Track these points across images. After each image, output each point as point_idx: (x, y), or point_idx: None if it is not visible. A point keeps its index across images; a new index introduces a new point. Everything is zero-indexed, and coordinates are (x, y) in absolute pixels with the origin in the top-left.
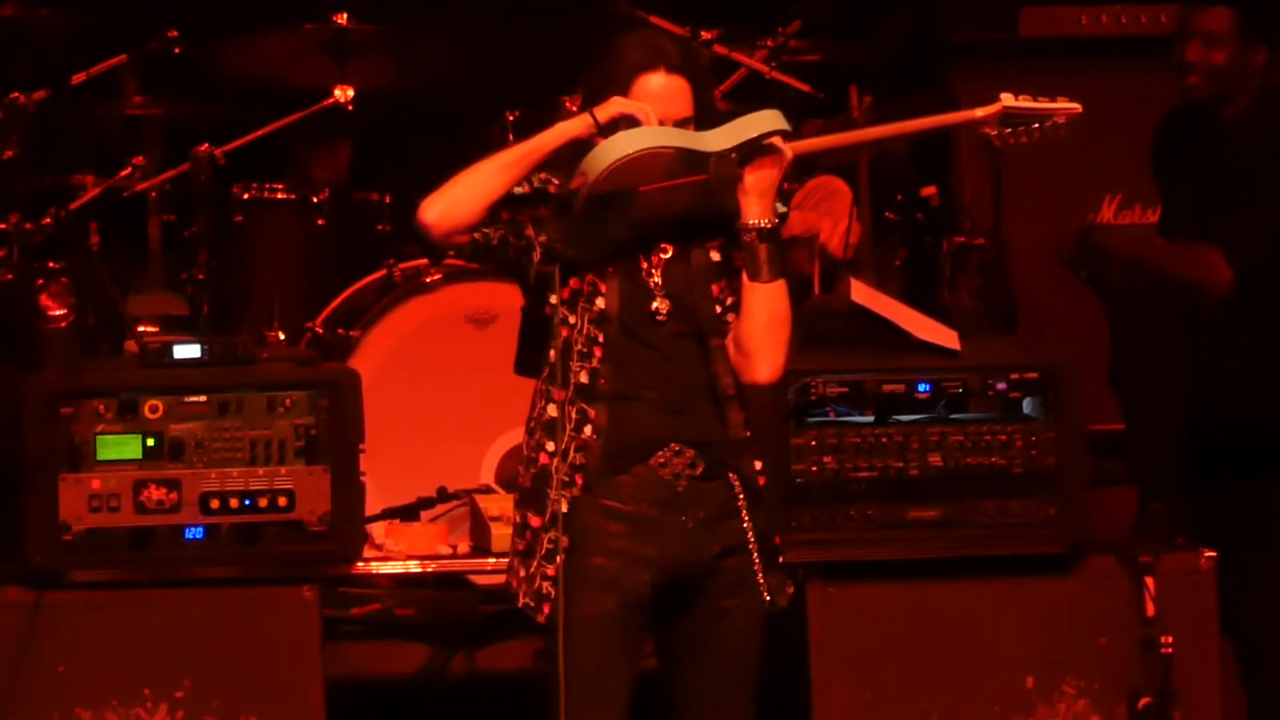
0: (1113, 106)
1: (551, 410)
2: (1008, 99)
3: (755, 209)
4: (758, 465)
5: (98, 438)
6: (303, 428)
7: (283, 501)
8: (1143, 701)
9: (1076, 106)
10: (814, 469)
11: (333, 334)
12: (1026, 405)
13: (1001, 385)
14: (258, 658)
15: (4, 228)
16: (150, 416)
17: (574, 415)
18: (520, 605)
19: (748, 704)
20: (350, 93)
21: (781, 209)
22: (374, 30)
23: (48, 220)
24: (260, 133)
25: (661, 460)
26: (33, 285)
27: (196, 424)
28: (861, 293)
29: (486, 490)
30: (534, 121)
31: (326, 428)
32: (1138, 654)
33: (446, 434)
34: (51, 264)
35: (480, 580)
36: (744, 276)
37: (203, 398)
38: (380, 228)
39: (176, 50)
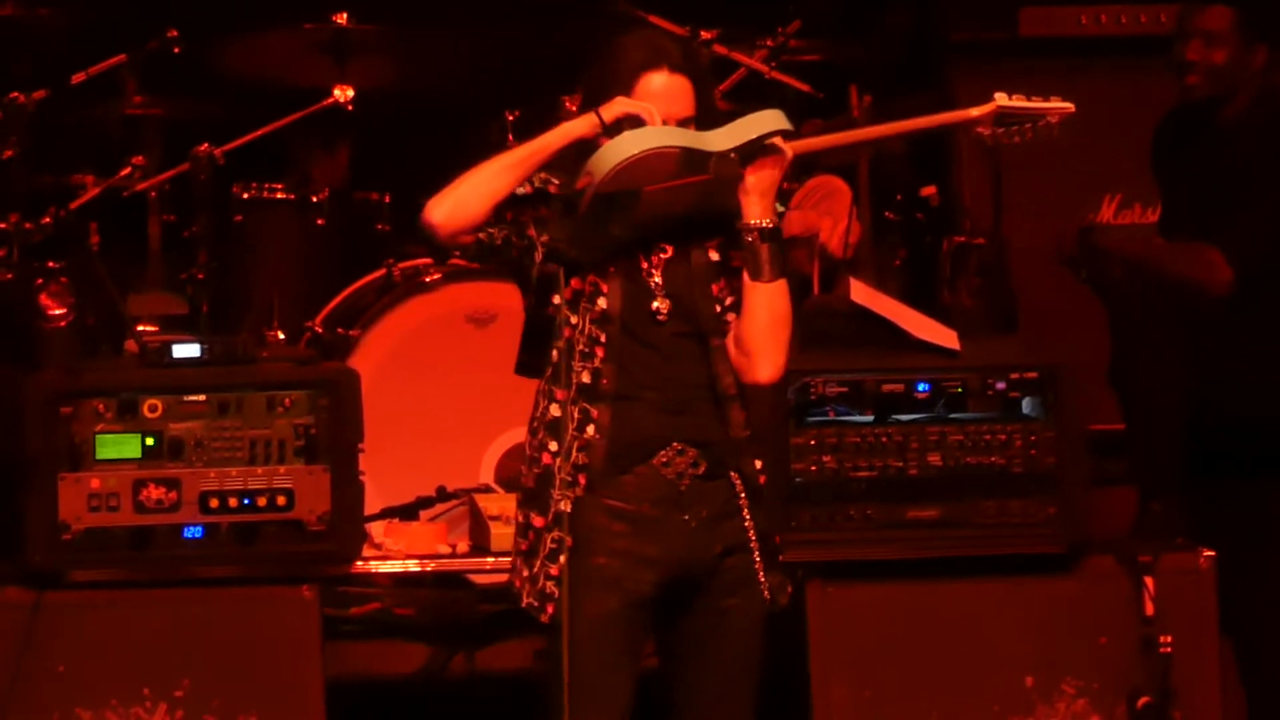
0: (1112, 106)
1: (554, 410)
2: (1001, 98)
3: (757, 209)
4: (758, 464)
5: (97, 437)
6: (302, 427)
7: (282, 501)
8: (1142, 701)
9: (1069, 106)
10: (813, 468)
11: (332, 333)
12: (1026, 405)
13: (1001, 385)
14: (257, 657)
15: (4, 227)
16: (150, 416)
17: (576, 415)
18: (524, 605)
19: (749, 703)
20: (350, 92)
21: (779, 208)
22: (374, 30)
23: (47, 220)
24: (260, 132)
25: (664, 460)
26: (32, 285)
27: (196, 423)
28: (861, 292)
29: (486, 490)
30: (534, 121)
31: (326, 427)
32: (1137, 654)
33: (446, 433)
34: (51, 263)
35: (479, 580)
36: (745, 276)
37: (202, 397)
38: (380, 227)
39: (176, 50)
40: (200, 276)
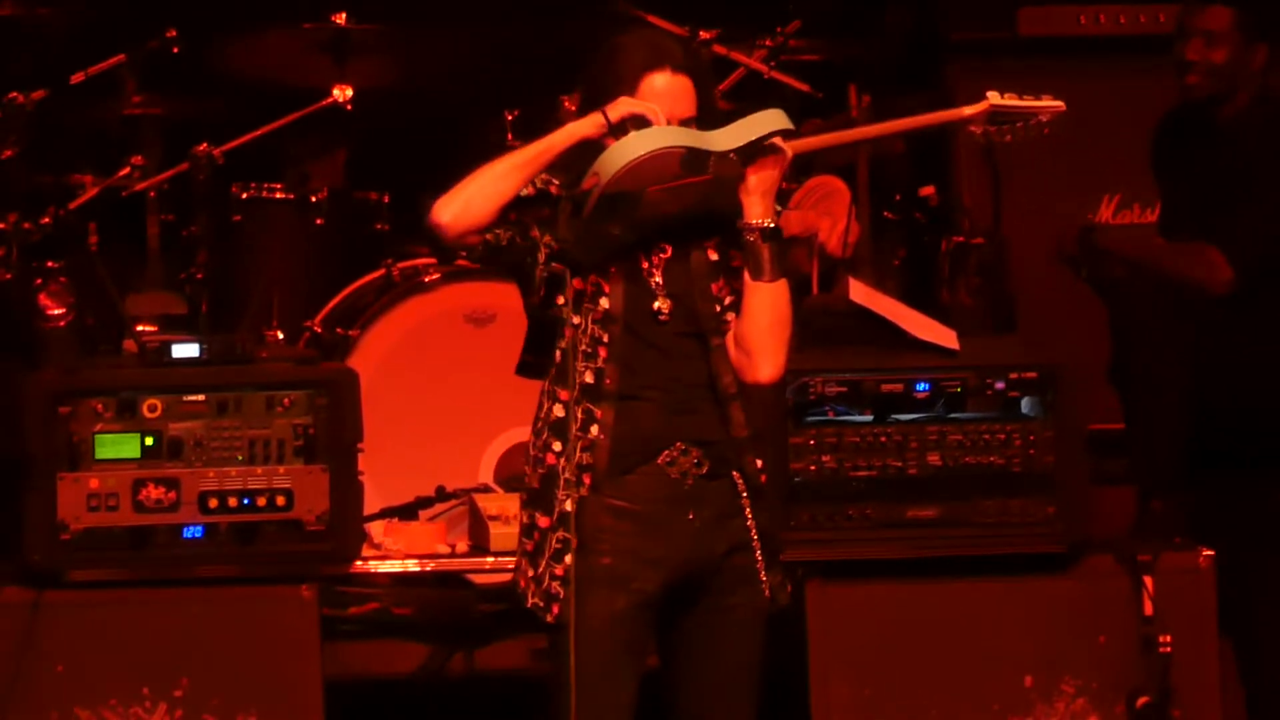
0: (1111, 106)
1: (558, 411)
2: (994, 97)
3: (758, 208)
4: (759, 464)
5: (96, 437)
6: (301, 427)
7: (281, 501)
8: (1141, 700)
9: (1060, 104)
10: (813, 468)
11: (331, 333)
12: (1025, 404)
13: (1000, 384)
14: (256, 657)
15: (3, 227)
16: (149, 415)
17: (580, 415)
18: (529, 606)
19: (750, 701)
20: (349, 92)
21: (777, 208)
22: (373, 30)
23: (47, 219)
24: (259, 132)
25: (668, 459)
26: (32, 284)
27: (195, 423)
28: (860, 292)
29: (485, 489)
30: (533, 121)
31: (325, 427)
32: (1136, 653)
33: (445, 433)
34: (50, 263)
35: (478, 579)
36: (746, 276)
37: (201, 397)
38: (379, 227)
39: (175, 50)
40: (199, 276)
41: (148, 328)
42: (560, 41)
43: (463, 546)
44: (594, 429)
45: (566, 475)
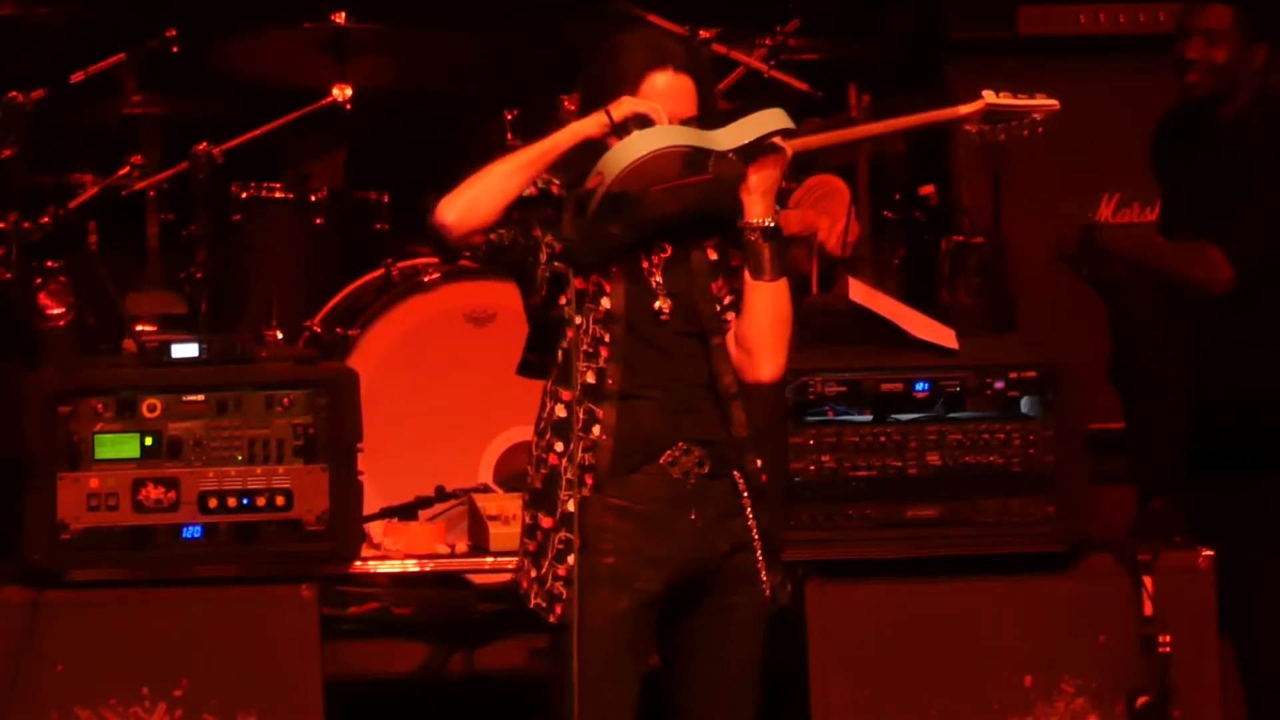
0: (1111, 105)
1: (560, 411)
2: (989, 95)
3: (759, 208)
4: (759, 463)
5: (96, 436)
6: (301, 427)
7: (281, 500)
8: (1141, 700)
9: (1054, 103)
10: (812, 468)
11: (331, 333)
12: (1025, 404)
13: (1000, 384)
14: (256, 657)
15: (3, 226)
16: (148, 415)
17: (582, 415)
18: (532, 606)
19: (751, 701)
20: (348, 92)
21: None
22: (372, 29)
23: (46, 219)
24: (259, 132)
25: (670, 459)
26: (31, 284)
27: (195, 423)
28: (860, 292)
29: (484, 489)
30: (532, 121)
31: (324, 427)
32: (1136, 653)
33: (444, 433)
34: (50, 263)
35: (478, 579)
36: (747, 275)
37: (201, 397)
38: (378, 226)
39: (175, 49)
40: (199, 276)
41: (147, 327)
42: (560, 41)
43: (462, 546)
44: (596, 429)
45: (569, 475)
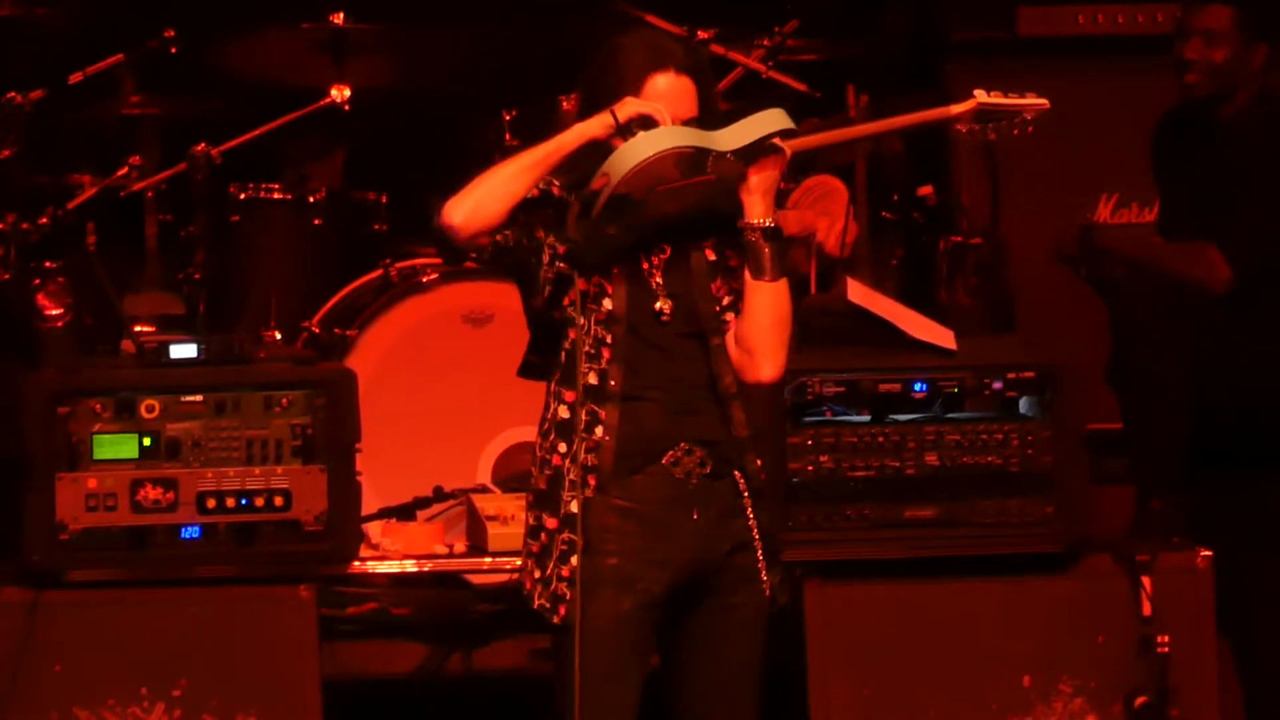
0: (1110, 105)
1: (563, 412)
2: (981, 95)
3: (759, 208)
4: (759, 463)
5: (94, 437)
6: (299, 427)
7: (279, 501)
8: (1139, 700)
9: (1044, 102)
10: (810, 468)
11: (329, 333)
12: (1023, 404)
13: (998, 384)
14: (254, 657)
15: (1, 227)
16: (147, 416)
17: (584, 416)
18: (535, 607)
19: (752, 701)
20: (347, 92)
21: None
22: (371, 30)
23: (45, 220)
24: (257, 132)
25: (672, 459)
26: (30, 284)
27: (193, 423)
28: (858, 292)
29: (483, 490)
30: (531, 122)
31: (323, 427)
32: (1135, 653)
33: (443, 433)
34: (48, 263)
35: (476, 580)
36: (747, 275)
37: (199, 397)
38: (377, 227)
39: (174, 50)
40: (197, 276)
41: (146, 328)
42: (559, 42)
43: (460, 547)
44: (598, 430)
45: (571, 476)
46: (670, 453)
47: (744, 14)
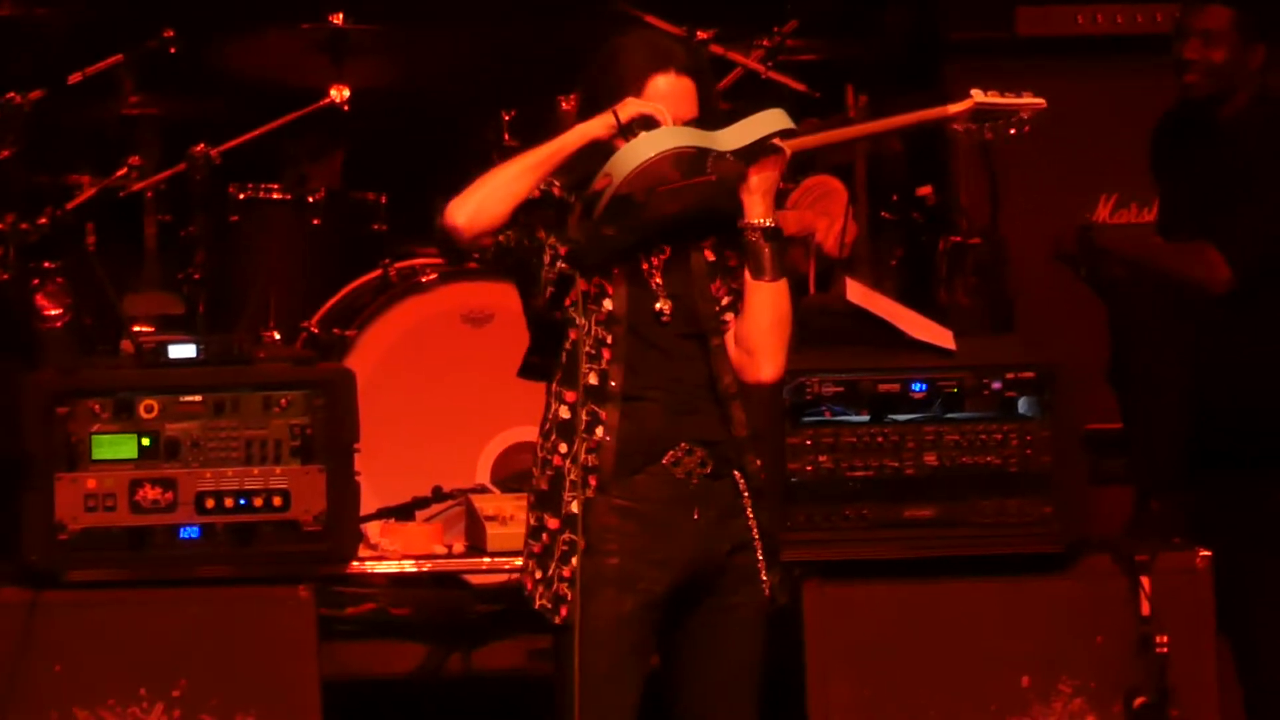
0: (1109, 105)
1: (564, 412)
2: (978, 94)
3: (759, 208)
4: (758, 463)
5: (93, 437)
6: (298, 427)
7: (278, 501)
8: (1139, 700)
9: (1041, 101)
10: (809, 468)
11: (328, 333)
12: (1022, 404)
13: (997, 384)
14: (253, 657)
15: (1, 227)
16: (146, 416)
17: (585, 417)
18: (537, 607)
19: (752, 701)
20: (346, 92)
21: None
22: (370, 30)
23: (44, 220)
24: (256, 132)
25: (673, 459)
26: (29, 285)
27: (192, 423)
28: (857, 292)
29: (482, 490)
30: (530, 122)
31: (322, 427)
32: (1134, 653)
33: (442, 433)
34: (48, 263)
35: (475, 580)
36: (747, 276)
37: (198, 397)
38: (376, 227)
39: (173, 50)
40: (196, 276)
41: (145, 328)
42: (559, 41)
43: (459, 547)
44: (599, 430)
45: (572, 477)
46: (671, 452)
47: (743, 14)
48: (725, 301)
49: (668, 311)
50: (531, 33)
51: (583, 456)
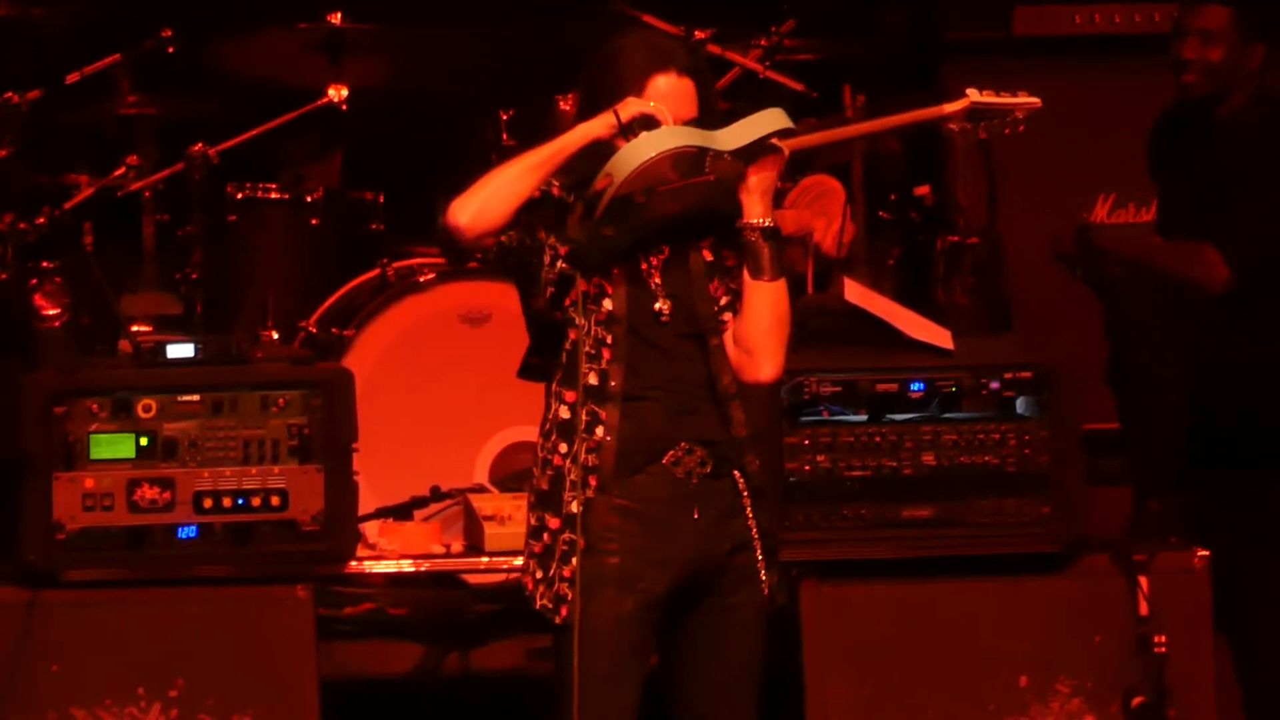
0: (1107, 105)
1: (564, 412)
2: (973, 94)
3: (758, 208)
4: (757, 463)
5: (91, 437)
6: (296, 427)
7: (276, 501)
8: (1137, 700)
9: (1036, 101)
10: (807, 468)
11: (326, 333)
12: (1020, 404)
13: (995, 384)
14: (252, 657)
15: None
16: (144, 416)
17: (585, 417)
18: (538, 607)
19: (752, 701)
20: (344, 92)
21: None
22: (368, 30)
23: (42, 219)
24: (254, 132)
25: (673, 459)
26: (27, 284)
27: (190, 423)
28: (855, 292)
29: (480, 489)
30: (528, 121)
31: (320, 427)
32: (1132, 653)
33: (440, 433)
34: (46, 263)
35: (473, 579)
36: (746, 275)
37: (196, 397)
38: (374, 227)
39: (171, 49)
40: (194, 276)
41: (143, 328)
42: (558, 41)
43: (458, 547)
44: (599, 430)
45: (573, 477)
46: (671, 452)
47: (741, 14)
48: (724, 301)
49: (667, 311)
50: (531, 33)
51: (583, 456)
